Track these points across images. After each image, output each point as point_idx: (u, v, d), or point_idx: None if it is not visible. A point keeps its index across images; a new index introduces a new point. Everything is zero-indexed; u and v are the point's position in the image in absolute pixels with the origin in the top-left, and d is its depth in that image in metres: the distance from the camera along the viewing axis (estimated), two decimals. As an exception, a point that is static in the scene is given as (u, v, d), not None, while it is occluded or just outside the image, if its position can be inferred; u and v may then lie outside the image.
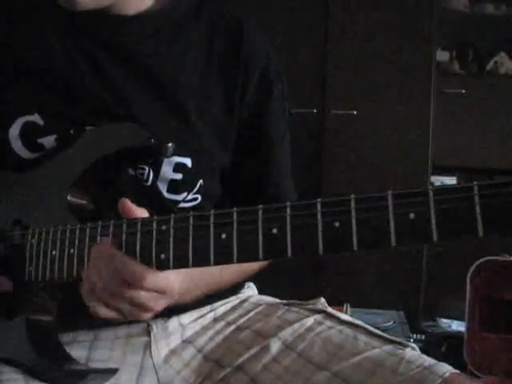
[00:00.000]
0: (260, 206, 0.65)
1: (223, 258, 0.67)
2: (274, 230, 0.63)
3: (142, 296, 0.72)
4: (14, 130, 0.89)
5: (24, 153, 0.89)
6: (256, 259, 0.65)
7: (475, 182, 0.55)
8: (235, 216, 0.66)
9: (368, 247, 0.59)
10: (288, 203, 0.64)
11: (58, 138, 0.89)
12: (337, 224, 0.60)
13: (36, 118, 0.89)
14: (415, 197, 0.57)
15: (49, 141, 0.89)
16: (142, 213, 0.74)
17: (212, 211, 0.67)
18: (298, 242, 0.62)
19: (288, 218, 0.63)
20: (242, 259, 0.66)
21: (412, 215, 0.57)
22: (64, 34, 0.90)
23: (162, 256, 0.70)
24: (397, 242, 0.58)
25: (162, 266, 0.70)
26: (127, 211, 0.74)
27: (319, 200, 0.62)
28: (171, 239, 0.69)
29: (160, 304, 0.74)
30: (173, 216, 0.70)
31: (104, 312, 0.74)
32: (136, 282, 0.70)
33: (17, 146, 0.89)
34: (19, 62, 0.91)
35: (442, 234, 0.56)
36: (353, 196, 0.60)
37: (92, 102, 0.90)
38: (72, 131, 0.88)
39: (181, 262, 0.69)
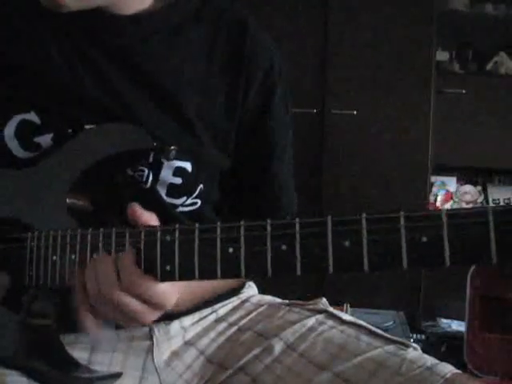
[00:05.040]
0: (269, 220, 0.64)
1: (230, 273, 0.65)
2: (284, 247, 0.62)
3: (132, 304, 0.70)
4: (10, 129, 0.87)
5: (20, 152, 0.87)
6: (265, 275, 0.63)
7: (490, 206, 0.54)
8: (243, 231, 0.65)
9: (379, 269, 0.58)
10: (297, 219, 0.62)
11: (54, 137, 0.87)
12: (347, 243, 0.59)
13: (32, 116, 0.87)
14: (428, 220, 0.56)
15: (45, 140, 0.87)
16: (151, 216, 0.73)
17: (218, 223, 0.66)
18: (307, 261, 0.61)
19: (297, 235, 0.62)
20: (250, 274, 0.64)
21: (425, 239, 0.56)
22: (61, 34, 0.89)
23: (168, 268, 0.68)
24: (408, 265, 0.57)
25: (167, 277, 0.69)
26: (135, 217, 0.72)
27: (329, 218, 0.61)
28: (176, 251, 0.68)
29: (147, 317, 0.72)
30: (178, 226, 0.68)
31: (90, 323, 0.73)
32: (130, 287, 0.69)
33: (12, 145, 0.87)
34: (15, 61, 0.89)
35: (454, 259, 0.55)
36: (364, 215, 0.59)
37: (90, 103, 0.88)
38: (70, 130, 0.87)
39: (187, 275, 0.68)
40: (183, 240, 0.68)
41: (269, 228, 0.63)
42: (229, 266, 0.65)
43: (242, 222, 0.65)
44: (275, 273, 0.63)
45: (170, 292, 0.71)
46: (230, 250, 0.65)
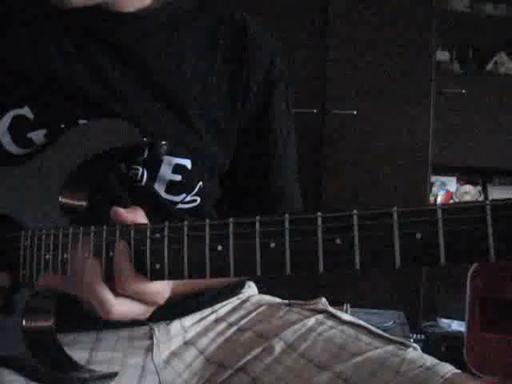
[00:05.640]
0: (257, 217, 0.61)
1: (220, 272, 0.63)
2: (272, 245, 0.60)
3: (124, 303, 0.69)
4: (3, 124, 0.86)
5: (13, 148, 0.87)
6: (253, 274, 0.61)
7: (488, 201, 0.50)
8: (231, 228, 0.62)
9: (371, 267, 0.55)
10: (287, 216, 0.59)
11: (47, 133, 0.86)
12: (338, 241, 0.56)
13: (26, 111, 0.86)
14: (422, 215, 0.53)
15: (38, 136, 0.86)
16: (136, 214, 0.72)
17: (207, 221, 0.64)
18: (297, 259, 0.59)
19: (287, 232, 0.59)
20: (239, 273, 0.63)
21: (419, 235, 0.53)
22: (60, 31, 0.89)
23: (157, 266, 0.67)
24: (401, 263, 0.54)
25: (157, 276, 0.68)
26: (119, 219, 0.71)
27: (320, 214, 0.58)
28: (166, 249, 0.66)
29: (136, 313, 0.71)
30: (167, 224, 0.67)
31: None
32: (119, 282, 0.68)
33: (6, 140, 0.87)
34: (12, 58, 0.89)
35: (450, 257, 0.52)
36: (355, 212, 0.56)
37: (88, 99, 0.88)
38: (63, 126, 0.86)
39: (176, 273, 0.66)
40: (172, 238, 0.66)
41: (257, 225, 0.61)
42: (217, 265, 0.63)
43: (230, 219, 0.63)
44: (264, 272, 0.61)
45: (163, 290, 0.70)
46: (219, 247, 0.63)
